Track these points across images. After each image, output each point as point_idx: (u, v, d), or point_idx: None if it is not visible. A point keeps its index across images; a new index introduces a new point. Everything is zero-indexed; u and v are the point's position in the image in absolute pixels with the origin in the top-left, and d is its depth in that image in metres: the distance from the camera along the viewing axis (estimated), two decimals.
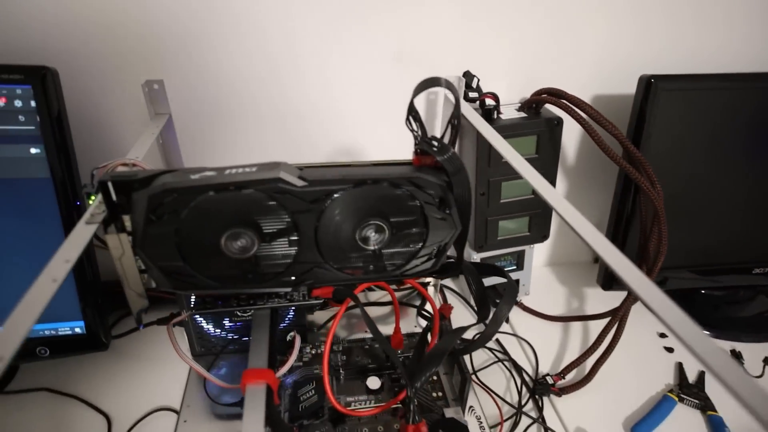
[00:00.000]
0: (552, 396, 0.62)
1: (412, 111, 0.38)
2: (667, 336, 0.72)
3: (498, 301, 0.59)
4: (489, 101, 0.63)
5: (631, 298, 0.63)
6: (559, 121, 0.63)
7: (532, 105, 0.64)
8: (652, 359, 0.69)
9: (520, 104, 0.66)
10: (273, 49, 0.62)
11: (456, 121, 0.38)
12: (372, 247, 0.40)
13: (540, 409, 0.60)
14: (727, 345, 0.71)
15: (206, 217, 0.36)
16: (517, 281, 0.76)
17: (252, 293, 0.45)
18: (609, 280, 0.71)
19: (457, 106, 0.36)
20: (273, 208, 0.37)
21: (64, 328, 0.56)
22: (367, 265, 0.42)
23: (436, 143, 0.37)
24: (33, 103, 0.49)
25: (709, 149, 0.63)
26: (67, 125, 0.51)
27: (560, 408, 0.61)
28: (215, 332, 0.61)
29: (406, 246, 0.42)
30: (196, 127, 0.65)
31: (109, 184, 0.35)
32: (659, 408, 0.60)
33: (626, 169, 0.56)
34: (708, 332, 0.73)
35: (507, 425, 0.58)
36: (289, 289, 0.41)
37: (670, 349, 0.70)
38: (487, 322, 0.47)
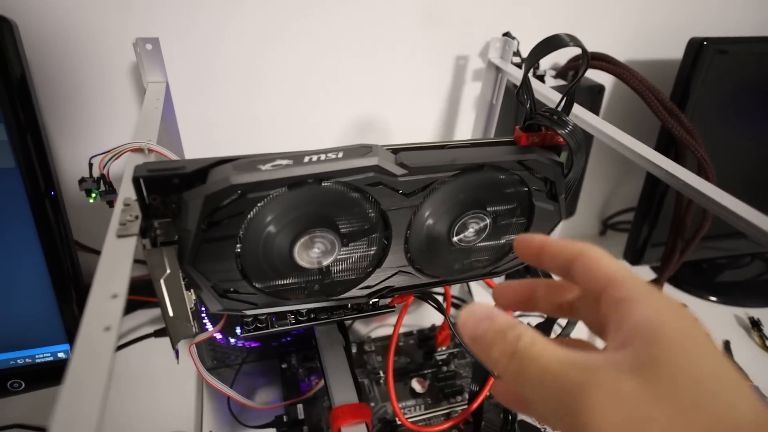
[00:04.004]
0: None
1: (526, 80, 0.31)
2: (687, 307, 0.72)
3: None
4: None
5: (668, 272, 0.62)
6: (601, 89, 0.58)
7: (570, 72, 0.59)
8: None
9: (556, 71, 0.60)
10: (284, 4, 0.51)
11: (574, 88, 0.31)
12: (468, 244, 0.33)
13: None
14: (737, 311, 0.71)
15: (277, 220, 0.28)
16: None
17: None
18: (637, 254, 0.68)
19: (584, 63, 0.29)
20: (356, 202, 0.29)
21: (43, 355, 0.45)
22: (453, 264, 0.35)
23: (554, 115, 0.31)
24: None
25: (754, 116, 0.61)
26: (35, 95, 0.39)
27: None
28: (231, 342, 0.52)
29: (499, 239, 0.35)
30: (193, 99, 0.53)
31: (141, 182, 0.25)
32: None
33: (684, 140, 0.52)
34: (715, 299, 0.74)
35: None
36: (363, 300, 0.34)
37: None
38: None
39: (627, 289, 0.19)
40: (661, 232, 0.65)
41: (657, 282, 0.62)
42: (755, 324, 0.68)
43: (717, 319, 0.70)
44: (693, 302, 0.73)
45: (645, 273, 0.76)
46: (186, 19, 0.49)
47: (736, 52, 0.56)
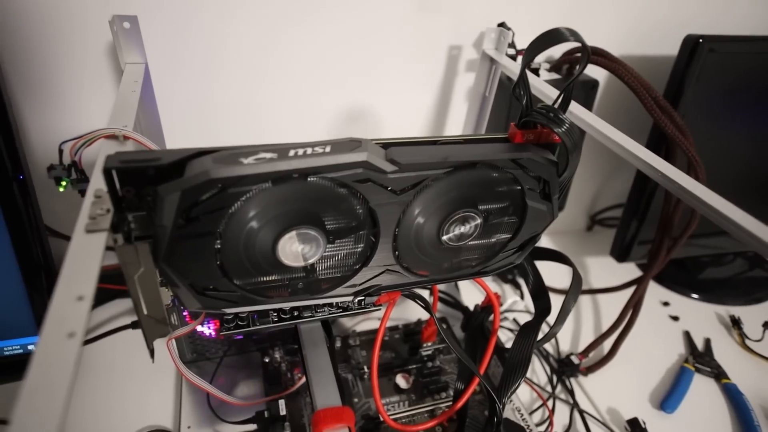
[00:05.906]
0: (579, 376, 0.59)
1: (523, 76, 0.30)
2: (670, 304, 0.73)
3: None
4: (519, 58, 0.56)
5: (654, 270, 0.62)
6: (595, 84, 0.57)
7: (565, 65, 0.58)
8: (661, 329, 0.68)
9: (550, 64, 0.59)
10: None
11: (572, 85, 0.30)
12: (458, 243, 0.32)
13: (571, 393, 0.57)
14: (718, 309, 0.72)
15: (260, 215, 0.26)
16: None
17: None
18: (625, 251, 0.68)
19: (584, 60, 0.28)
20: (343, 198, 0.28)
21: (12, 347, 0.43)
22: (442, 262, 0.34)
23: (551, 113, 0.29)
24: None
25: (746, 116, 0.61)
26: (3, 74, 0.36)
27: (588, 388, 0.59)
28: (211, 335, 0.50)
29: (489, 238, 0.34)
30: (175, 82, 0.51)
31: (114, 173, 0.24)
32: (681, 380, 0.59)
33: (676, 138, 0.51)
34: (697, 296, 0.75)
35: (542, 411, 0.54)
36: (349, 298, 0.33)
37: (675, 318, 0.70)
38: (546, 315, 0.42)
39: None
40: (649, 230, 0.65)
41: (643, 279, 0.62)
42: (735, 322, 0.69)
43: (699, 317, 0.71)
44: (676, 299, 0.74)
45: (631, 270, 0.77)
46: None
47: (731, 50, 0.55)
